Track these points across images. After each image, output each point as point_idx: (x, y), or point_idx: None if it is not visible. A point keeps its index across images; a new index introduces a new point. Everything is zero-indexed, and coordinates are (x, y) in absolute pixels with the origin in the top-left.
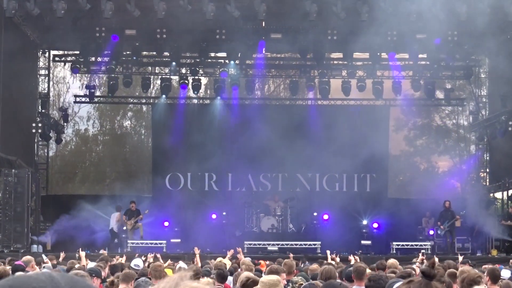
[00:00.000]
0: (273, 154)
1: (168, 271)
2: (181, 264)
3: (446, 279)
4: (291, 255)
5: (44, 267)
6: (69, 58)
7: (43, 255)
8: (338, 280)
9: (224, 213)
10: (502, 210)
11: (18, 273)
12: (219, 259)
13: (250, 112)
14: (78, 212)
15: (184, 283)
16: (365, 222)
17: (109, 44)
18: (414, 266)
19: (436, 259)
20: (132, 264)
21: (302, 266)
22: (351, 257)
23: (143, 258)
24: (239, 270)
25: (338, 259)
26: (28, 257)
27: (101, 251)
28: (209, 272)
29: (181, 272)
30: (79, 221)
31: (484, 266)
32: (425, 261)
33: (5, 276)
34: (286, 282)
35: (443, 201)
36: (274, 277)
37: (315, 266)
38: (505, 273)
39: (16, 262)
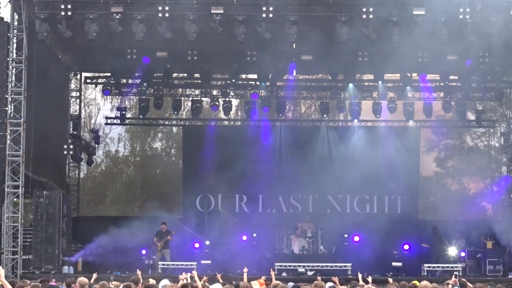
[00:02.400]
0: (304, 175)
1: None
2: (165, 281)
3: None
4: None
5: None
6: (100, 80)
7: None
8: None
9: (254, 235)
10: None
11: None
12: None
13: (281, 134)
14: (109, 233)
15: None
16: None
17: (140, 66)
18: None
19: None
20: (160, 286)
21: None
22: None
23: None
24: None
25: (370, 279)
26: (83, 279)
27: (137, 272)
28: None
29: None
30: (109, 243)
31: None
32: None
33: None
34: None
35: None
36: None
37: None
38: None
39: (51, 283)
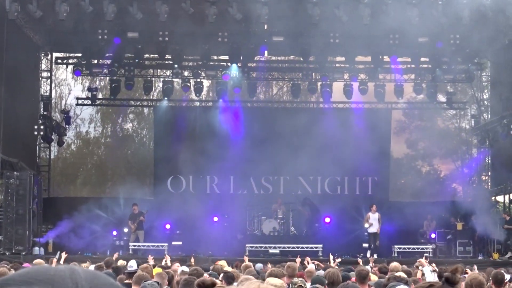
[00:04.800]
0: (275, 157)
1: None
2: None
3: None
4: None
5: None
6: (71, 61)
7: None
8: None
9: (225, 216)
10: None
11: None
12: (221, 262)
13: (252, 115)
14: (79, 214)
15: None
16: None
17: (111, 47)
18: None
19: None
20: (128, 266)
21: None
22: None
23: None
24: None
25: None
26: (39, 261)
27: (115, 256)
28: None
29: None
30: (80, 224)
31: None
32: (426, 264)
33: None
34: (287, 285)
35: (444, 204)
36: (278, 281)
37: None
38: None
39: (24, 265)
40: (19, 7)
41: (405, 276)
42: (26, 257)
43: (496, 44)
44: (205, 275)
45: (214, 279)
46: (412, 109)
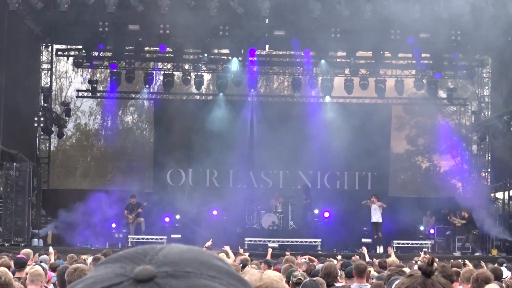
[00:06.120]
0: (275, 151)
1: None
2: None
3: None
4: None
5: (41, 260)
6: (72, 53)
7: (51, 248)
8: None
9: (225, 210)
10: (503, 210)
11: (26, 253)
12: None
13: (253, 109)
14: (79, 206)
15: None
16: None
17: (112, 39)
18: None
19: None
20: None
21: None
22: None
23: None
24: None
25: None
26: (27, 250)
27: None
28: None
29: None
30: (79, 216)
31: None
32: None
33: (7, 267)
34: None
35: (443, 200)
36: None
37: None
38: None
39: (18, 255)
40: None
41: (408, 269)
42: (25, 248)
43: (497, 41)
44: None
45: None
46: (413, 104)
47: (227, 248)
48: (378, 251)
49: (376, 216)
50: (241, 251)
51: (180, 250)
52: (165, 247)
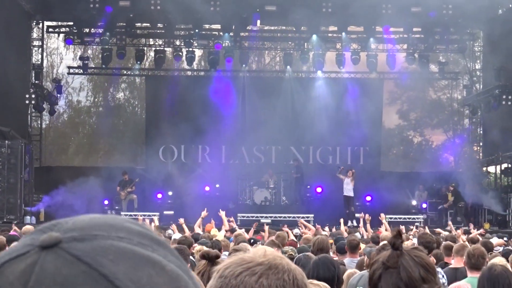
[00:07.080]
0: (267, 126)
1: None
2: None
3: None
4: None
5: None
6: (63, 29)
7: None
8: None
9: (217, 186)
10: (495, 184)
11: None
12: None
13: (244, 85)
14: (71, 183)
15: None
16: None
17: (103, 16)
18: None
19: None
20: None
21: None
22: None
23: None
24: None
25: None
26: (28, 227)
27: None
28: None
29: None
30: (72, 193)
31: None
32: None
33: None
34: None
35: (436, 175)
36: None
37: (309, 236)
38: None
39: (11, 233)
40: None
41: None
42: (17, 225)
43: (489, 15)
44: (195, 244)
45: (217, 251)
46: (404, 79)
47: (222, 213)
48: (349, 225)
49: (348, 190)
50: (223, 217)
51: (92, 217)
52: (78, 217)
